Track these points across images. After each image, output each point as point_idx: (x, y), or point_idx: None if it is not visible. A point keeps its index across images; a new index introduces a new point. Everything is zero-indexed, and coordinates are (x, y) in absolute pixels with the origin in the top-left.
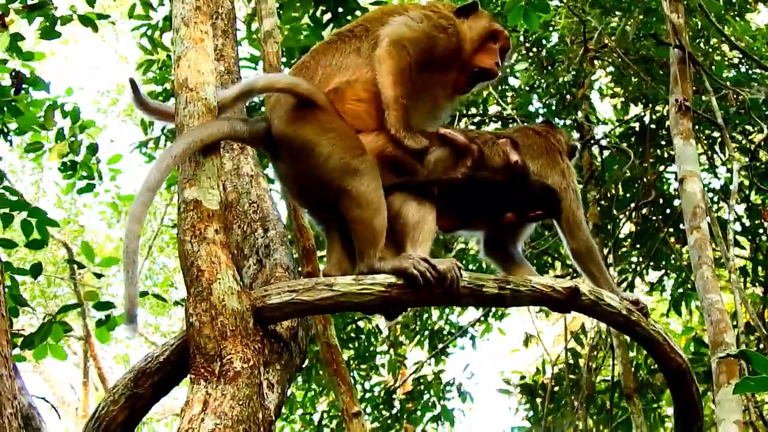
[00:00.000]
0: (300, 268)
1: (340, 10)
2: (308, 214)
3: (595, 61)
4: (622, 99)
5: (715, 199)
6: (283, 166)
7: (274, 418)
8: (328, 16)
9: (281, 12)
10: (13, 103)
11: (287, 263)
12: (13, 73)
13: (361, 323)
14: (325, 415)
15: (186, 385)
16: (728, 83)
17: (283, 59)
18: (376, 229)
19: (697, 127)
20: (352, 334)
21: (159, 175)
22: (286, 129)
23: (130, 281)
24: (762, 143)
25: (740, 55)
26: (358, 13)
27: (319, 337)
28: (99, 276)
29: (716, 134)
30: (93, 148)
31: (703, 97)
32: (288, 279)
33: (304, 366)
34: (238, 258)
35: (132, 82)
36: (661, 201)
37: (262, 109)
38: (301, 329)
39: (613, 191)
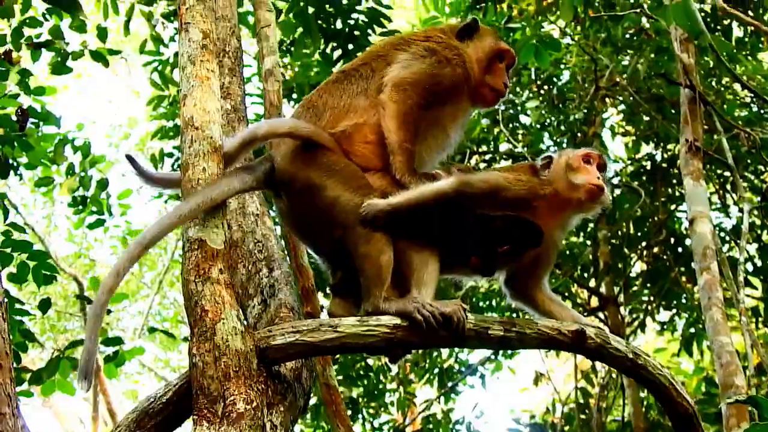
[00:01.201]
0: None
1: (350, 46)
2: (312, 251)
3: (607, 100)
4: (634, 137)
5: (727, 238)
6: (286, 204)
7: None
8: (338, 52)
9: (293, 48)
10: (24, 138)
11: (292, 303)
12: (19, 110)
13: (370, 361)
14: None
15: (189, 425)
16: (740, 123)
17: (294, 95)
18: (383, 268)
19: (708, 166)
20: (361, 372)
21: (157, 234)
22: (290, 169)
23: (91, 335)
24: None
25: (752, 95)
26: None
27: (318, 377)
28: (108, 311)
29: (728, 174)
30: (103, 184)
31: (715, 137)
32: (293, 319)
33: (310, 404)
34: (242, 298)
35: (129, 158)
36: (672, 240)
37: None
38: (305, 370)
39: (625, 230)
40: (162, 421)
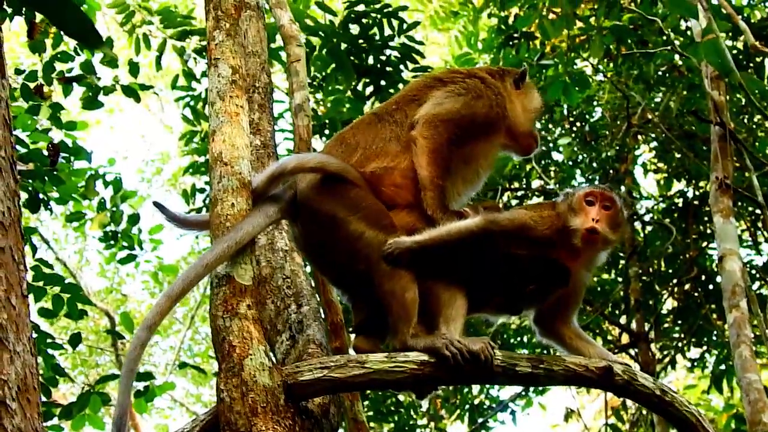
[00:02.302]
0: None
1: (383, 82)
2: (330, 282)
3: (639, 137)
4: (666, 174)
5: (758, 276)
6: (304, 233)
7: None
8: (370, 89)
9: (324, 84)
10: (55, 173)
11: (320, 339)
12: (50, 145)
13: (400, 396)
14: None
15: None
16: None
17: (326, 131)
18: (409, 304)
19: (740, 204)
20: (392, 408)
21: (184, 287)
22: (316, 200)
23: (124, 390)
24: None
25: None
26: (400, 85)
27: (346, 412)
28: None
29: (759, 212)
30: (134, 219)
31: (746, 174)
32: (321, 355)
33: None
34: (270, 333)
35: (157, 204)
36: (703, 277)
37: None
38: (333, 406)
39: (656, 267)
40: None
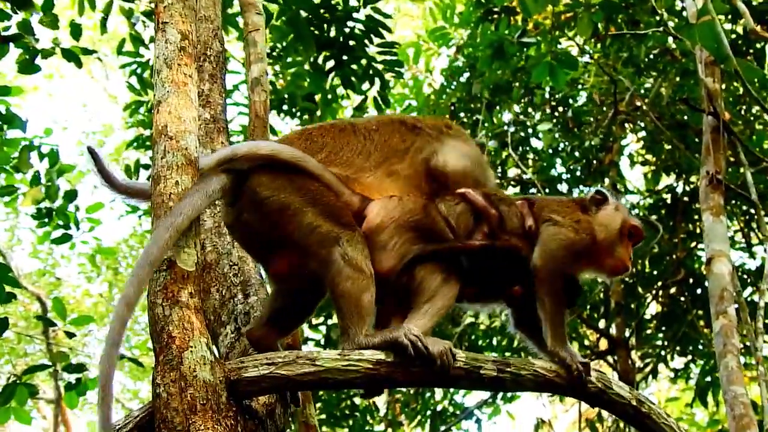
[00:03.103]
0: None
1: (345, 57)
2: (262, 267)
3: (626, 125)
4: (654, 167)
5: (749, 281)
6: (246, 218)
7: None
8: (331, 63)
9: (282, 56)
10: None
11: None
12: None
13: (357, 399)
14: None
15: None
16: None
17: (284, 107)
18: (366, 305)
19: (733, 202)
20: (346, 411)
21: (137, 291)
22: (265, 188)
23: (106, 384)
24: None
25: None
26: (363, 61)
27: (296, 414)
28: (71, 335)
29: (753, 211)
30: (71, 195)
31: (741, 170)
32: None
33: None
34: (214, 325)
35: (91, 151)
36: (690, 280)
37: None
38: (280, 406)
39: (639, 267)
40: None
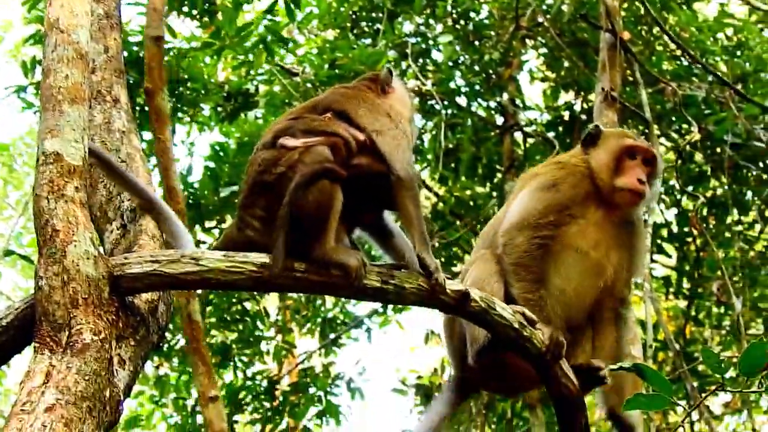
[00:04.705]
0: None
1: None
2: None
3: (527, 41)
4: (553, 84)
5: None
6: None
7: (123, 397)
8: None
9: None
10: None
11: (154, 231)
12: None
13: (248, 304)
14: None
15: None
16: (667, 77)
17: (186, 3)
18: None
19: (630, 121)
20: (237, 316)
21: None
22: None
23: None
24: (698, 143)
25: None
26: None
27: (181, 310)
28: None
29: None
30: None
31: (639, 89)
32: (153, 248)
33: (174, 346)
34: (100, 221)
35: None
36: None
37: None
38: (162, 304)
39: None
40: None
